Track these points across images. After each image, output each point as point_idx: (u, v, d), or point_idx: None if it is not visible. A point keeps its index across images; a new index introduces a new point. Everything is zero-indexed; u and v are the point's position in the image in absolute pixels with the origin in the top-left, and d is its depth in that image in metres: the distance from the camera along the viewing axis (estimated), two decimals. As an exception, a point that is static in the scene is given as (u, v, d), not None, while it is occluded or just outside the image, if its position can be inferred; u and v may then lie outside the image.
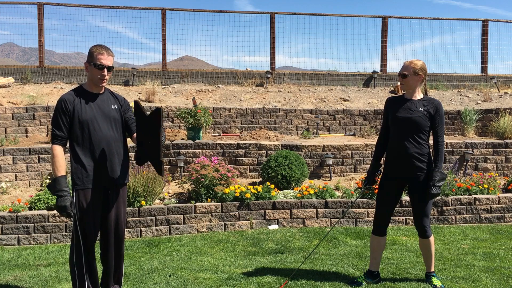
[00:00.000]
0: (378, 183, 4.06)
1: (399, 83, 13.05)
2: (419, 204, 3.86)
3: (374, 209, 6.42)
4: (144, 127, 3.27)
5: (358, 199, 6.44)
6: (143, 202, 5.96)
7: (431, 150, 3.87)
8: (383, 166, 4.06)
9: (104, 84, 3.40)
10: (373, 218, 6.37)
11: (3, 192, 6.65)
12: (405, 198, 6.45)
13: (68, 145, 3.35)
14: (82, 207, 3.29)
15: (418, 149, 3.80)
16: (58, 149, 3.24)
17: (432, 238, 3.95)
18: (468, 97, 11.44)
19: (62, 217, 3.27)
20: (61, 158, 3.23)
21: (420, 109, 3.80)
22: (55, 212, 5.71)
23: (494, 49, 13.51)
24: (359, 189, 6.69)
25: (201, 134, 8.14)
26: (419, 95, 3.90)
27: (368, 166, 8.00)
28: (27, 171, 7.14)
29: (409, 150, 3.80)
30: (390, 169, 3.94)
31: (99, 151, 3.32)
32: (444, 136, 3.87)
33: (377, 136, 9.02)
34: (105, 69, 3.31)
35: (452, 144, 8.19)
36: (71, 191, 3.30)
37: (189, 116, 7.96)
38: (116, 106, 3.47)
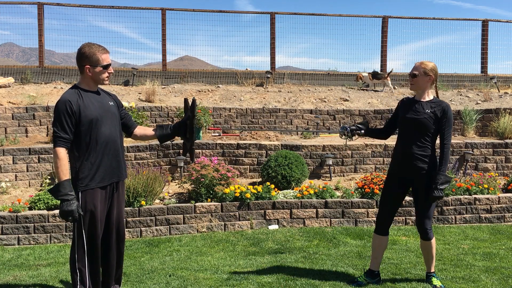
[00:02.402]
0: (355, 136, 4.08)
1: (362, 73, 13.15)
2: (421, 206, 3.86)
3: (374, 209, 6.44)
4: (193, 121, 3.53)
5: (358, 199, 6.45)
6: (143, 202, 5.96)
7: (437, 152, 3.87)
8: (363, 131, 4.09)
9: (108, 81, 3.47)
10: (373, 218, 6.39)
11: (3, 192, 6.65)
12: (406, 198, 6.42)
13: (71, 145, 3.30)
14: (90, 207, 3.23)
15: (421, 150, 3.80)
16: (63, 152, 3.16)
17: (433, 240, 3.94)
18: (468, 97, 11.44)
19: (67, 221, 3.23)
20: (66, 161, 3.17)
21: (427, 110, 3.79)
22: (55, 212, 5.72)
23: (494, 49, 13.54)
24: (360, 189, 6.68)
25: (201, 134, 8.14)
26: (428, 97, 3.89)
27: (368, 166, 8.02)
28: (27, 171, 7.14)
29: (412, 150, 3.80)
30: (394, 169, 3.95)
31: (107, 148, 3.30)
32: (451, 140, 3.87)
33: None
34: (110, 66, 3.38)
35: (452, 144, 8.19)
36: (75, 193, 3.27)
37: (189, 116, 7.95)
38: (112, 102, 3.48)
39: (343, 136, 4.10)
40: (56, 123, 3.18)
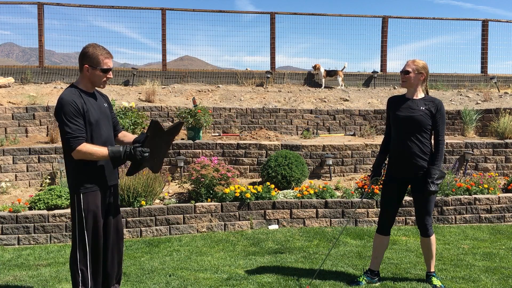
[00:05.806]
0: (383, 177, 4.07)
1: (321, 66, 13.23)
2: (421, 203, 3.88)
3: (374, 209, 6.44)
4: (161, 142, 3.34)
5: (358, 199, 6.44)
6: (143, 202, 5.96)
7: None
8: (387, 162, 4.07)
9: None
10: (373, 218, 6.39)
11: (3, 192, 6.65)
12: (405, 198, 6.45)
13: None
14: (92, 208, 3.23)
15: (420, 148, 3.81)
16: (86, 145, 3.12)
17: (433, 237, 3.95)
18: (468, 97, 11.45)
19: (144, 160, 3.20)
20: (92, 146, 3.14)
21: (421, 108, 3.82)
22: (55, 212, 5.72)
23: (494, 49, 13.54)
24: (360, 189, 6.69)
25: (201, 134, 8.14)
26: (420, 94, 3.92)
27: (368, 166, 8.02)
28: (27, 171, 7.14)
29: (411, 149, 3.81)
30: (393, 169, 3.95)
31: None
32: (445, 136, 3.90)
33: (377, 136, 9.05)
34: (110, 71, 3.35)
35: (452, 144, 8.19)
36: (76, 194, 3.23)
37: (189, 116, 7.95)
38: (106, 104, 3.47)
39: (373, 184, 4.21)
40: (69, 125, 3.10)
